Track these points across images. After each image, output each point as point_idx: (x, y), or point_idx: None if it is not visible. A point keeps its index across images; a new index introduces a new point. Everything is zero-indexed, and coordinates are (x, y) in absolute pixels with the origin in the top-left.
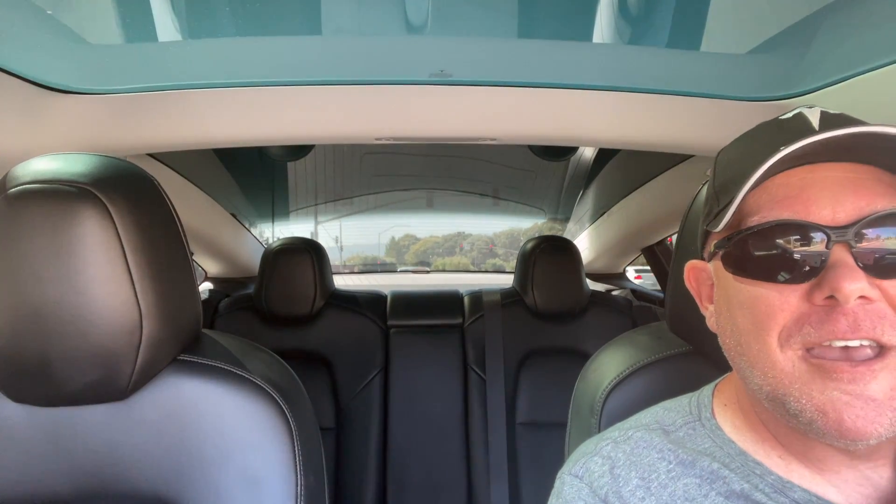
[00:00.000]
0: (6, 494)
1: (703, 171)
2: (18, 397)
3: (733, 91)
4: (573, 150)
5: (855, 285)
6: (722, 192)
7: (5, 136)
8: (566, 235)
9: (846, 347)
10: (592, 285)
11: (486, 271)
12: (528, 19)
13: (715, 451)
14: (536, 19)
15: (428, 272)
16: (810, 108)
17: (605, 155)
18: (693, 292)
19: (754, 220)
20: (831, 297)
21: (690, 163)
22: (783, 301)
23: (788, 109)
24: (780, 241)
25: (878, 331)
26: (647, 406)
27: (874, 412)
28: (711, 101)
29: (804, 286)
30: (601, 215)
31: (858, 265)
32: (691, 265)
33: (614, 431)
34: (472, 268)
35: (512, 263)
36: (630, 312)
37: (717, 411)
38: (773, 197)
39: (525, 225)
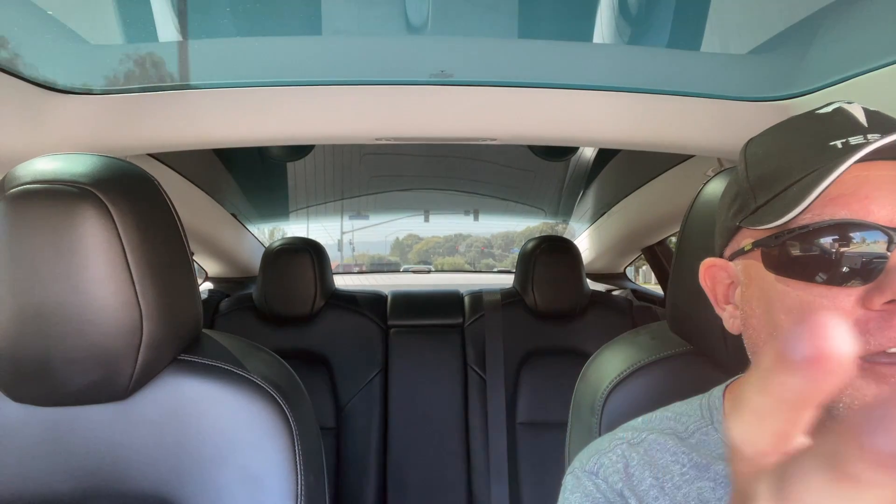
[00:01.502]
0: (6, 494)
1: (704, 171)
2: (19, 397)
3: (733, 91)
4: (574, 150)
5: None
6: (759, 188)
7: (5, 136)
8: (565, 236)
9: None
10: (593, 285)
11: (485, 271)
12: (529, 20)
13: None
14: (537, 19)
15: (429, 272)
16: (849, 103)
17: (605, 155)
18: (708, 292)
19: (805, 219)
20: (891, 301)
21: (690, 163)
22: (836, 305)
23: (789, 109)
24: (835, 241)
25: None
26: (647, 405)
27: None
28: (711, 101)
29: (860, 290)
30: (601, 215)
31: None
32: (709, 263)
33: (626, 432)
34: (467, 267)
35: (504, 263)
36: (630, 312)
37: (728, 415)
38: (826, 195)
39: (519, 228)
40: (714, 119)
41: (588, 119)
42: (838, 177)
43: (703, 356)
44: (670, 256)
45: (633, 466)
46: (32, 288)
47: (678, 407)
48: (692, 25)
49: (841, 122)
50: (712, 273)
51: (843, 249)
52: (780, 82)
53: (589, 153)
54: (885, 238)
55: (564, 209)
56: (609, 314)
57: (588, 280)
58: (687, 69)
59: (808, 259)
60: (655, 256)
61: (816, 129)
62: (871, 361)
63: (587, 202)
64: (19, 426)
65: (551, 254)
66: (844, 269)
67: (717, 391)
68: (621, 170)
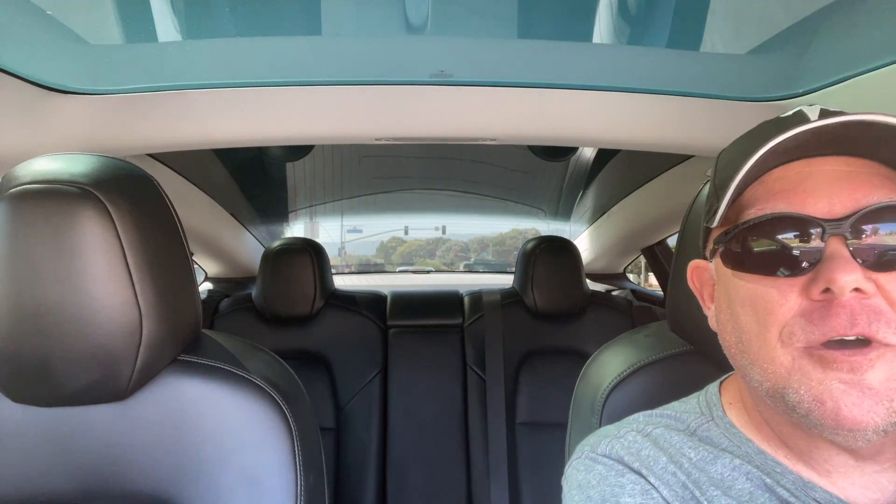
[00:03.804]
0: (6, 494)
1: (704, 171)
2: (18, 397)
3: (733, 91)
4: (573, 150)
5: (849, 276)
6: (721, 189)
7: (5, 136)
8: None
9: (842, 341)
10: (592, 285)
11: (486, 271)
12: (528, 20)
13: (734, 450)
14: (536, 19)
15: (428, 272)
16: (811, 105)
17: (605, 155)
18: (696, 292)
19: (751, 214)
20: (827, 290)
21: (690, 163)
22: (782, 297)
23: (788, 109)
24: (776, 234)
25: (873, 328)
26: (648, 405)
27: (871, 401)
28: (711, 101)
29: (801, 280)
30: (601, 215)
31: (855, 259)
32: (694, 265)
33: (632, 423)
34: (444, 268)
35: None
36: (630, 312)
37: (727, 410)
38: (770, 190)
39: (493, 234)
40: (714, 119)
41: (588, 119)
42: (749, 170)
43: (703, 356)
44: (670, 256)
45: (646, 449)
46: (32, 288)
47: (677, 406)
48: (692, 25)
49: (794, 122)
50: (698, 274)
51: (781, 242)
52: (780, 82)
53: (588, 153)
54: (820, 229)
55: (564, 209)
56: (609, 314)
57: (588, 280)
58: (686, 69)
59: (754, 252)
60: (655, 257)
61: (772, 130)
62: (817, 349)
63: (587, 202)
64: (19, 426)
65: (551, 254)
66: (786, 260)
67: (712, 388)
68: (621, 170)
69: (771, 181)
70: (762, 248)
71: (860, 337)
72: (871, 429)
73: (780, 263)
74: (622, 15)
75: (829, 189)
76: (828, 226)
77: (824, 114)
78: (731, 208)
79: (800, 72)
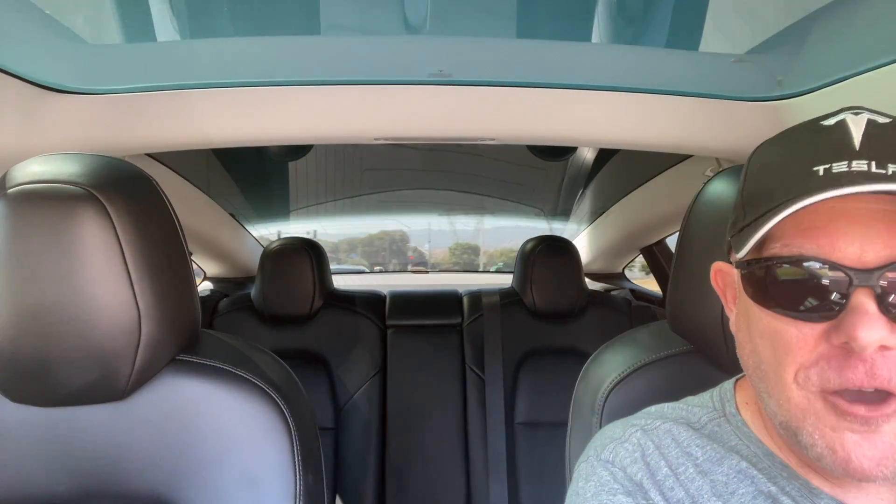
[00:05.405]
0: (5, 495)
1: (703, 171)
2: (17, 397)
3: (732, 91)
4: (572, 150)
5: (872, 335)
6: (749, 205)
7: (5, 136)
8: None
9: (860, 392)
10: (591, 285)
11: (486, 271)
12: (528, 19)
13: (742, 449)
14: (536, 19)
15: (427, 272)
16: (857, 114)
17: (605, 155)
18: (719, 293)
19: (776, 248)
20: (847, 342)
21: (690, 163)
22: (802, 338)
23: (787, 109)
24: (800, 275)
25: (893, 382)
26: (648, 404)
27: (881, 454)
28: (711, 101)
29: (823, 326)
30: (600, 215)
31: (884, 311)
32: (717, 266)
33: (640, 419)
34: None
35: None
36: (629, 312)
37: (741, 408)
38: (799, 224)
39: (360, 235)
40: (712, 119)
41: (587, 119)
42: (781, 220)
43: (704, 355)
44: (669, 256)
45: (650, 455)
46: (30, 288)
47: (690, 399)
48: (691, 25)
49: (835, 142)
50: (722, 276)
51: (807, 284)
52: (779, 82)
53: (589, 153)
54: (847, 278)
55: (563, 209)
56: (608, 314)
57: (587, 280)
58: (686, 69)
59: (776, 289)
60: (654, 256)
61: (811, 145)
62: (833, 394)
63: (586, 202)
64: (17, 427)
65: (550, 254)
66: (808, 303)
67: (727, 384)
68: (620, 169)
69: (800, 213)
70: (784, 287)
71: (879, 389)
72: (879, 479)
73: (801, 304)
74: (621, 15)
75: (863, 232)
76: (856, 277)
77: (869, 132)
78: (745, 239)
79: (799, 72)
